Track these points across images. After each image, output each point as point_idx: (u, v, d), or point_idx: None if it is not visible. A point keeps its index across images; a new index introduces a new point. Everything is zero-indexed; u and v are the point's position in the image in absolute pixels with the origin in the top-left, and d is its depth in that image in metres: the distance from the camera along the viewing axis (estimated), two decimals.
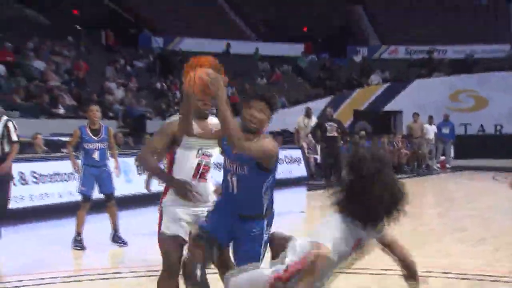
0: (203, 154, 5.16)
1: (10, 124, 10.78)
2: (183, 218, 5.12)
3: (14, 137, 10.69)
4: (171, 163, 5.34)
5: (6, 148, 10.63)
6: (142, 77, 31.58)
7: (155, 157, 5.37)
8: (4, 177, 10.93)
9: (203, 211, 5.13)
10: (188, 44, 35.58)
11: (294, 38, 39.46)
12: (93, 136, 9.98)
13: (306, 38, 39.84)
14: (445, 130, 28.43)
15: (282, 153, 21.48)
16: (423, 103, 31.53)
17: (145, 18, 37.77)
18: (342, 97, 33.30)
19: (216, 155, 5.33)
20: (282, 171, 20.50)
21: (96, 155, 10.05)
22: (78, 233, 9.82)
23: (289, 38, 39.48)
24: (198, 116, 5.27)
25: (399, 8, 42.39)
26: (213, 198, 5.35)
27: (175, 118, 5.42)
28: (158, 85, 31.05)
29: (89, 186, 9.87)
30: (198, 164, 5.10)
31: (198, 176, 5.12)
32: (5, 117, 11.02)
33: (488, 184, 22.71)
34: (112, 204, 10.02)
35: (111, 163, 10.42)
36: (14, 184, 12.47)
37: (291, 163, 23.16)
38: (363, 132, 27.01)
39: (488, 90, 33.98)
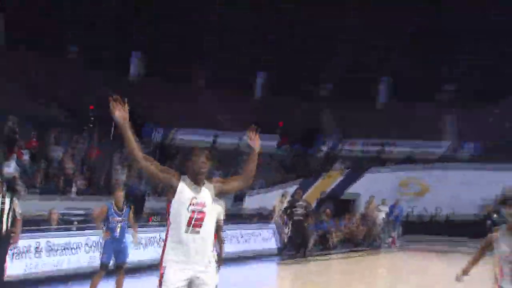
0: (196, 204, 5.00)
1: (16, 201, 11.06)
2: (181, 279, 4.97)
3: (18, 213, 11.07)
4: (168, 213, 5.25)
5: (8, 222, 10.95)
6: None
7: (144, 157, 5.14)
8: (5, 243, 11.25)
9: (200, 271, 4.99)
10: (182, 135, 36.45)
11: (272, 131, 38.21)
12: (118, 211, 10.34)
13: (283, 132, 39.56)
14: (395, 212, 28.44)
15: (259, 230, 22.99)
16: (377, 188, 31.30)
17: (147, 113, 36.95)
18: (310, 182, 33.57)
19: (211, 202, 5.18)
20: (257, 244, 21.96)
21: (117, 230, 10.26)
22: None
23: (267, 131, 36.42)
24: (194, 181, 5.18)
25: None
26: (212, 260, 5.31)
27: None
28: None
29: (109, 256, 10.13)
30: (192, 212, 4.96)
31: (191, 225, 4.98)
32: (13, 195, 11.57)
33: (425, 263, 22.76)
34: (122, 272, 10.22)
35: (129, 237, 10.76)
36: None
37: (266, 239, 22.90)
38: (328, 211, 26.68)
39: (430, 179, 34.37)
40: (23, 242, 12.56)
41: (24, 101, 31.85)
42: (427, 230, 30.27)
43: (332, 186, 33.76)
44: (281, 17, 43.14)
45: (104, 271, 10.12)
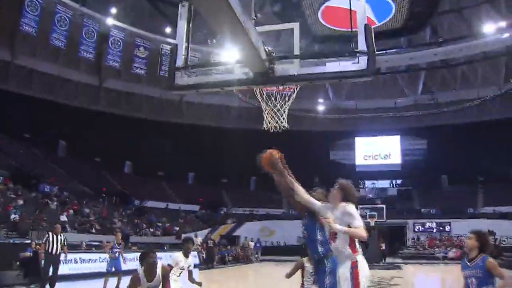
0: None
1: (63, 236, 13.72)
2: None
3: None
4: None
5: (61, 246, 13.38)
6: (131, 218, 37.36)
7: None
8: (57, 260, 13.45)
9: None
10: (151, 204, 41.96)
11: (197, 203, 46.12)
12: (117, 245, 13.76)
13: (202, 203, 46.45)
14: (258, 244, 34.65)
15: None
16: (249, 232, 37.22)
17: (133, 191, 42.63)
18: (216, 229, 39.71)
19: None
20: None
21: (117, 254, 13.50)
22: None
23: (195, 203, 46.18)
24: None
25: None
26: None
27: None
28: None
29: (111, 267, 13.42)
30: None
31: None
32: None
33: (272, 270, 24.43)
34: (120, 277, 13.16)
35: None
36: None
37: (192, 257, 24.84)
38: (225, 243, 32.93)
39: (274, 227, 39.69)
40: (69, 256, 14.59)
41: None
42: (274, 252, 34.62)
43: (227, 231, 39.44)
44: None
45: (109, 276, 13.05)
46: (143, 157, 44.10)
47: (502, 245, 35.27)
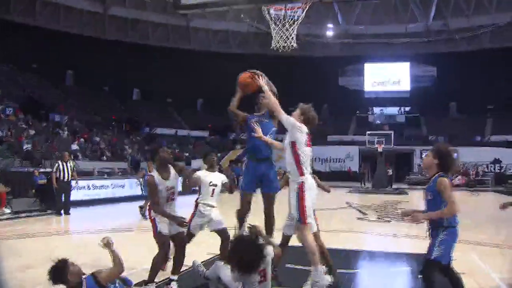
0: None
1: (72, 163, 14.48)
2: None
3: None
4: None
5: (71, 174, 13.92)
6: (141, 144, 37.50)
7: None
8: (69, 186, 13.97)
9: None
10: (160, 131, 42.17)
11: (206, 129, 46.61)
12: None
13: (211, 129, 47.10)
14: None
15: None
16: None
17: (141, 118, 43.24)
18: (225, 154, 39.92)
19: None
20: None
21: None
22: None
23: (205, 128, 46.49)
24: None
25: None
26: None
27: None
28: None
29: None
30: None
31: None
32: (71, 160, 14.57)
33: None
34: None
35: None
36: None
37: None
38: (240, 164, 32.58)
39: None
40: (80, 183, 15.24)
41: None
42: None
43: (236, 156, 38.82)
44: None
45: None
46: (151, 84, 44.21)
47: (508, 173, 35.65)
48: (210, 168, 6.49)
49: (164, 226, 5.37)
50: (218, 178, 6.35)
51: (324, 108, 50.08)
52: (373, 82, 50.12)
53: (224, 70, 43.62)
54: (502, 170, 36.41)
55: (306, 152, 5.10)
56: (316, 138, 40.83)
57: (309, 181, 5.02)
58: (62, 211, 13.71)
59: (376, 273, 6.88)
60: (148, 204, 5.62)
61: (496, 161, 36.86)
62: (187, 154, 38.56)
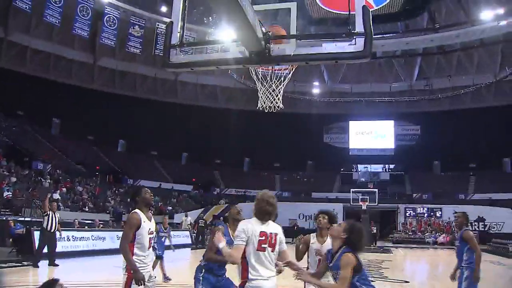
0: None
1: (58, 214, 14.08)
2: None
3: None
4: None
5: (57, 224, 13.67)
6: (124, 197, 36.47)
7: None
8: (54, 237, 13.67)
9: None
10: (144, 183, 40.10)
11: (190, 183, 46.42)
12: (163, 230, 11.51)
13: (195, 183, 46.84)
14: None
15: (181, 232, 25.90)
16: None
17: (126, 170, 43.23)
18: (208, 209, 39.51)
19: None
20: (181, 239, 24.79)
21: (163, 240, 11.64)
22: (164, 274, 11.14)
23: (188, 183, 46.39)
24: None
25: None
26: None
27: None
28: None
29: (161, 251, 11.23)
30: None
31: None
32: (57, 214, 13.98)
33: None
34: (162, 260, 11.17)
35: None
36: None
37: (185, 236, 26.30)
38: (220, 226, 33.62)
39: None
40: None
41: None
42: None
43: (219, 211, 38.54)
44: None
45: (158, 259, 10.99)
46: (136, 136, 44.06)
47: (491, 231, 35.67)
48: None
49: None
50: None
51: (309, 165, 50.48)
52: (357, 139, 50.53)
53: (211, 124, 44.94)
54: (486, 229, 36.46)
55: None
56: (301, 195, 41.42)
57: None
58: (46, 262, 13.21)
59: None
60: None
61: (480, 219, 36.92)
62: (170, 207, 38.23)
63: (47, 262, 13.28)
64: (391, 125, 50.32)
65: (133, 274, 4.90)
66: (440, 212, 39.18)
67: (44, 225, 13.45)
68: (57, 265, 13.27)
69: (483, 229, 36.52)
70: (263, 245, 4.21)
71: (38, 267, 12.98)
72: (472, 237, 6.73)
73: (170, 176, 46.16)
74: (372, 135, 50.25)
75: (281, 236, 4.39)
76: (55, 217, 13.64)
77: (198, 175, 47.30)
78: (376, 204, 33.94)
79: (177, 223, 31.67)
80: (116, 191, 37.77)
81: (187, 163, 50.80)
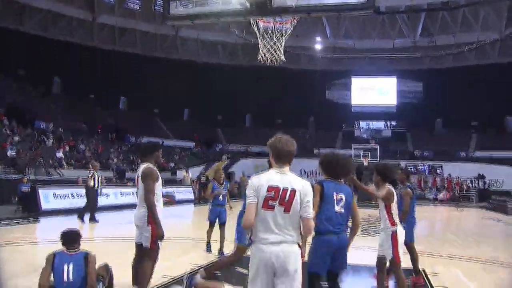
0: None
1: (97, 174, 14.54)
2: None
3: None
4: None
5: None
6: (127, 154, 37.52)
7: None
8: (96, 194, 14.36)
9: None
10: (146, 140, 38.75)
11: (192, 139, 46.34)
12: (219, 185, 9.19)
13: (197, 140, 46.65)
14: None
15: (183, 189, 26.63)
16: (245, 168, 35.98)
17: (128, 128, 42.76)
18: (211, 165, 39.31)
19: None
20: (183, 195, 25.44)
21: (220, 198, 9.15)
22: (207, 242, 9.18)
23: (191, 139, 46.35)
24: None
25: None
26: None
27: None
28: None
29: (214, 217, 9.03)
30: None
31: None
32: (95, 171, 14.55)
33: None
34: (223, 228, 8.98)
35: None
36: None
37: (187, 192, 26.98)
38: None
39: None
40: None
41: None
42: None
43: (221, 168, 34.85)
44: None
45: (212, 227, 9.01)
46: (138, 94, 43.83)
47: (491, 189, 35.93)
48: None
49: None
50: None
51: (310, 121, 50.43)
52: (360, 96, 50.34)
53: (212, 80, 44.73)
54: (486, 186, 36.68)
55: None
56: (303, 151, 41.62)
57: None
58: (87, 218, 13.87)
59: (357, 286, 6.94)
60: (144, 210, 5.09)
61: (480, 177, 37.13)
62: (172, 164, 38.45)
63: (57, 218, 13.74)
64: (393, 82, 49.96)
65: (156, 229, 5.00)
66: (440, 169, 39.31)
67: (90, 184, 13.97)
68: (97, 221, 13.80)
69: (483, 186, 36.79)
70: (270, 203, 3.57)
71: (84, 222, 13.57)
72: (407, 194, 6.61)
73: (172, 133, 46.12)
74: (374, 92, 50.04)
75: (304, 194, 3.63)
76: (97, 176, 14.18)
77: (200, 132, 47.26)
78: (378, 160, 33.85)
79: (179, 179, 31.92)
80: (119, 149, 37.87)
81: (189, 120, 50.75)
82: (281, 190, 3.56)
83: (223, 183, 9.23)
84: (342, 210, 4.60)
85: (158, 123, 47.27)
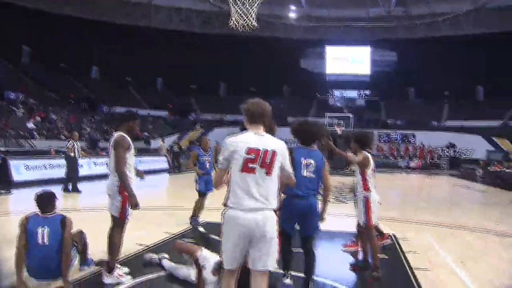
0: None
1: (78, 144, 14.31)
2: None
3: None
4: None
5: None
6: (100, 124, 36.69)
7: None
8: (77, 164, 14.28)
9: None
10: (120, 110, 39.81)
11: (165, 108, 46.11)
12: (204, 153, 8.76)
13: (171, 109, 46.59)
14: None
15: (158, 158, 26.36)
16: (219, 138, 33.75)
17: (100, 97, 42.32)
18: (184, 134, 40.15)
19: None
20: (158, 164, 25.16)
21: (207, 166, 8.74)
22: (194, 216, 8.72)
23: (164, 108, 46.04)
24: None
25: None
26: None
27: None
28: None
29: (202, 186, 8.66)
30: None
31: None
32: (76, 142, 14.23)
33: None
34: (205, 197, 8.70)
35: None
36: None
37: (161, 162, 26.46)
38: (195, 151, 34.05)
39: None
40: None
41: None
42: None
43: (196, 137, 37.49)
44: None
45: (202, 197, 8.66)
46: (110, 63, 43.28)
47: (462, 157, 36.71)
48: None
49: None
50: None
51: (284, 90, 50.55)
52: (334, 65, 50.38)
53: (186, 49, 44.24)
54: (457, 155, 37.45)
55: None
56: (276, 120, 42.08)
57: None
58: (70, 188, 13.83)
59: (328, 251, 7.05)
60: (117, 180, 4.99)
61: (451, 145, 37.89)
62: (146, 133, 38.12)
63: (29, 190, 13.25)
64: (368, 52, 50.11)
65: (129, 198, 4.96)
66: (413, 138, 39.95)
67: (70, 153, 13.91)
68: (80, 191, 13.76)
69: (453, 155, 37.68)
70: (250, 165, 3.45)
71: (69, 191, 13.62)
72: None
73: (145, 102, 45.87)
74: (348, 61, 50.18)
75: (283, 156, 3.61)
76: (77, 145, 14.10)
77: (174, 101, 47.17)
78: (351, 129, 34.11)
79: (154, 148, 31.79)
80: (92, 119, 37.31)
81: (162, 89, 50.42)
82: (262, 152, 3.47)
83: (208, 151, 8.91)
84: (312, 175, 4.82)
85: (131, 92, 46.81)
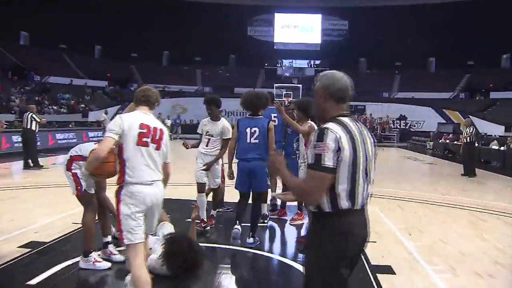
0: None
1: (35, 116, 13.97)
2: None
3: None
4: None
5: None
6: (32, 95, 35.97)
7: None
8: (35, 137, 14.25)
9: None
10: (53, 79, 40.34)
11: (105, 79, 45.03)
12: None
13: (110, 79, 45.48)
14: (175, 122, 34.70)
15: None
16: (162, 109, 37.25)
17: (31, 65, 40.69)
18: (125, 106, 36.94)
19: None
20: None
21: None
22: None
23: (103, 79, 44.80)
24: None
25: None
26: None
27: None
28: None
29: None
30: None
31: None
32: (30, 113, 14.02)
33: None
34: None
35: None
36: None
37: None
38: None
39: (187, 104, 38.45)
40: None
41: None
42: (190, 130, 31.23)
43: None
44: None
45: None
46: (42, 27, 41.58)
47: (412, 129, 37.84)
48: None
49: (89, 184, 4.90)
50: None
51: (231, 59, 50.35)
52: (283, 33, 50.56)
53: (126, 14, 43.20)
54: (407, 127, 38.60)
55: None
56: (223, 90, 41.78)
57: None
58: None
59: (279, 226, 7.24)
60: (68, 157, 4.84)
61: (402, 117, 38.96)
62: (83, 105, 37.41)
63: None
64: (318, 19, 50.53)
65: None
66: (363, 109, 40.80)
67: (28, 126, 13.66)
68: (42, 166, 13.72)
69: (404, 127, 38.74)
70: (144, 139, 3.64)
71: (30, 167, 13.51)
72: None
73: (82, 71, 44.60)
74: (298, 29, 50.50)
75: (167, 137, 3.87)
76: (36, 118, 13.83)
77: (113, 70, 46.11)
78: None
79: (91, 121, 31.46)
80: (22, 89, 36.13)
81: (100, 57, 49.35)
82: (151, 128, 3.68)
83: None
84: (257, 141, 5.94)
85: (66, 60, 45.43)
